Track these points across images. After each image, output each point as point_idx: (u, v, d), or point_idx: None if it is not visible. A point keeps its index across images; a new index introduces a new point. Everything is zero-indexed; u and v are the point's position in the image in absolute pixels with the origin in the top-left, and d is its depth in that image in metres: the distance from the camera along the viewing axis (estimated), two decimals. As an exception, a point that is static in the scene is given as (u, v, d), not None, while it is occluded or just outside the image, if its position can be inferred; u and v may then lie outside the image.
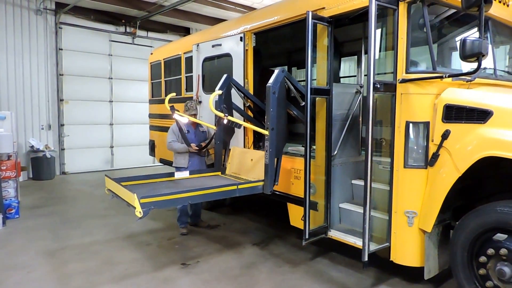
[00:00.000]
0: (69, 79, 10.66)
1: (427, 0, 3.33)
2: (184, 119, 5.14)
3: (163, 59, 7.92)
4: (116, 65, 11.54)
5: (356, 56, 6.95)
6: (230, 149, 5.11)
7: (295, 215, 4.67)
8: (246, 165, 4.81)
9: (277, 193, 4.97)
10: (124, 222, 6.01)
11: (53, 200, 7.54)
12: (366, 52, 5.54)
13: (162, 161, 7.97)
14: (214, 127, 4.98)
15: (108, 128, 11.54)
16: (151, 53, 8.87)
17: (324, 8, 4.07)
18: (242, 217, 6.28)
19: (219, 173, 5.00)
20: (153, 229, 5.66)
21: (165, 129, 7.42)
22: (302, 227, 4.48)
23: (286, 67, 8.40)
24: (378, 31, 3.54)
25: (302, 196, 4.30)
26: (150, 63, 8.72)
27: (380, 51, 4.16)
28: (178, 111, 5.14)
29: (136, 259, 4.56)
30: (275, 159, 4.23)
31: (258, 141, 5.47)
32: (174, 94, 5.75)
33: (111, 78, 11.49)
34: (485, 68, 4.03)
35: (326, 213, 4.24)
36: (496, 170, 3.31)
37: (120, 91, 11.65)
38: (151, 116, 8.68)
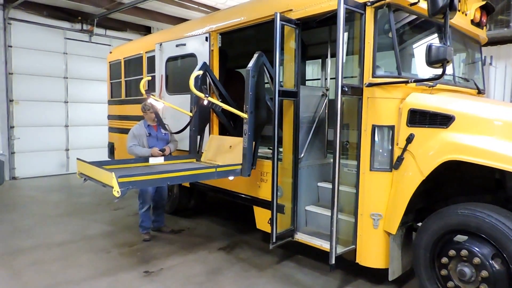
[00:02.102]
0: (19, 78, 9.98)
1: (393, 6, 3.39)
2: (159, 104, 5.03)
3: (124, 58, 7.62)
4: (71, 64, 10.96)
5: (320, 60, 7.04)
6: (204, 137, 5.07)
7: (262, 218, 4.62)
8: (223, 151, 4.77)
9: (243, 196, 4.91)
10: (81, 228, 5.68)
11: (2, 208, 7.01)
12: (332, 56, 5.67)
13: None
14: (190, 114, 4.85)
15: (63, 130, 10.93)
16: (110, 52, 8.53)
17: (291, 10, 4.05)
18: (207, 221, 6.15)
19: (194, 160, 4.91)
20: (113, 235, 5.39)
21: (125, 131, 7.13)
22: (268, 231, 4.46)
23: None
24: (346, 34, 3.56)
25: (269, 199, 4.27)
26: (109, 62, 8.38)
27: (346, 54, 4.23)
28: (153, 95, 5.04)
29: (95, 268, 4.31)
30: (253, 143, 4.20)
31: (224, 134, 5.38)
32: (149, 77, 5.58)
33: (66, 78, 10.89)
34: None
35: (293, 216, 4.23)
36: (455, 173, 3.43)
37: (76, 91, 11.07)
38: (110, 117, 8.33)
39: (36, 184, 9.34)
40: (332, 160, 4.66)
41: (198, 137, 5.02)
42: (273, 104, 3.84)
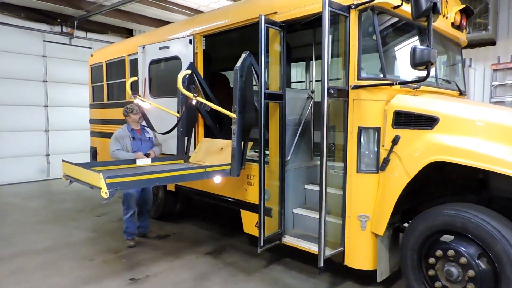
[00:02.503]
0: (-4, 82, 9.71)
1: (377, 9, 3.42)
2: (146, 104, 4.96)
3: (105, 61, 7.49)
4: (51, 67, 10.70)
5: (304, 62, 7.07)
6: (192, 139, 5.04)
7: (249, 222, 4.59)
8: (213, 153, 4.73)
9: (230, 199, 4.87)
10: (63, 235, 5.53)
11: (-21, 215, 6.78)
12: (317, 58, 5.68)
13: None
14: (178, 115, 4.79)
15: (43, 135, 10.66)
16: (92, 55, 8.36)
17: (276, 12, 4.05)
18: (193, 225, 6.07)
19: (182, 161, 4.83)
20: (97, 242, 5.26)
21: (108, 135, 6.99)
22: (256, 234, 4.43)
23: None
24: (330, 37, 3.57)
25: (256, 203, 4.24)
26: (91, 65, 8.21)
27: (331, 57, 4.24)
28: (140, 96, 4.96)
29: (78, 276, 4.19)
30: (242, 143, 4.17)
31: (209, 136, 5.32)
32: (136, 78, 5.49)
33: (46, 81, 10.64)
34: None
35: (281, 219, 4.21)
36: (439, 174, 3.47)
37: (57, 95, 10.82)
38: (92, 121, 8.16)
39: (16, 190, 9.07)
40: (318, 162, 4.76)
41: (186, 138, 4.95)
42: (259, 106, 3.83)
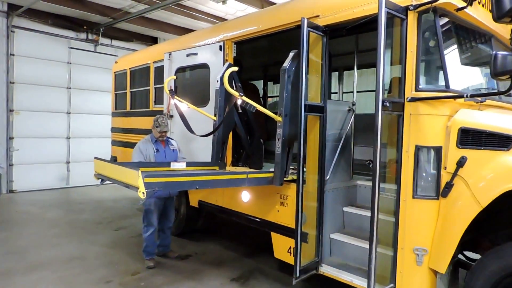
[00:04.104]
0: (21, 87, 9.62)
1: (439, 10, 2.98)
2: (183, 105, 4.69)
3: (129, 68, 7.26)
4: (75, 74, 10.61)
5: (337, 72, 6.64)
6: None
7: (280, 246, 4.14)
8: None
9: (259, 220, 4.45)
10: (79, 251, 5.20)
11: (-4, 225, 6.56)
12: (359, 67, 5.26)
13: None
14: (214, 118, 4.48)
15: (65, 142, 10.52)
16: (116, 62, 8.18)
17: (318, 16, 3.66)
18: (217, 244, 5.65)
19: (217, 168, 4.51)
20: (115, 261, 4.89)
21: (129, 145, 6.73)
22: (288, 260, 4.02)
23: (262, 81, 7.98)
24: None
25: (289, 225, 3.88)
26: (114, 72, 8.02)
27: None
28: (177, 96, 4.75)
29: (93, 301, 3.83)
30: (287, 149, 3.83)
31: (237, 160, 4.93)
32: (174, 77, 5.25)
33: (70, 88, 10.54)
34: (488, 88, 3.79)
35: (318, 245, 3.76)
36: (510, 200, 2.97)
37: (80, 102, 10.70)
38: (114, 130, 7.93)
39: (35, 198, 8.88)
40: (358, 182, 4.30)
41: (222, 144, 4.60)
42: (299, 120, 3.42)
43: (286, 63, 3.70)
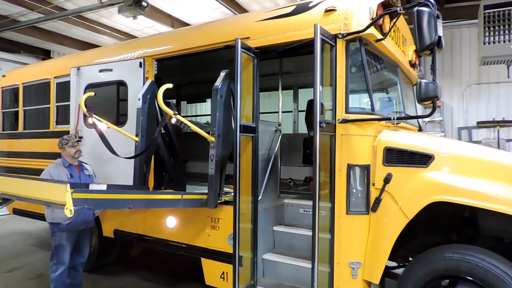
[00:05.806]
0: None
1: (364, 40, 3.26)
2: (102, 124, 4.18)
3: (23, 83, 6.39)
4: None
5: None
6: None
7: (212, 272, 3.98)
8: None
9: (185, 246, 4.22)
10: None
11: None
12: (283, 88, 5.42)
13: (17, 211, 6.25)
14: (136, 139, 4.16)
15: None
16: (3, 76, 7.14)
17: (249, 38, 3.71)
18: (134, 277, 5.16)
19: None
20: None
21: (22, 172, 5.90)
22: (220, 287, 3.88)
23: (174, 100, 7.76)
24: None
25: (222, 249, 3.77)
26: (1, 88, 6.98)
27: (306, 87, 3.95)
28: (95, 115, 4.25)
29: None
30: (220, 171, 3.70)
31: (159, 184, 4.64)
32: (92, 93, 4.64)
33: None
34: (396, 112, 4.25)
35: (253, 268, 3.70)
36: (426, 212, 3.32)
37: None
38: (1, 154, 6.83)
39: None
40: (285, 201, 4.39)
41: (145, 166, 4.30)
42: (235, 140, 3.38)
43: (218, 83, 3.65)
